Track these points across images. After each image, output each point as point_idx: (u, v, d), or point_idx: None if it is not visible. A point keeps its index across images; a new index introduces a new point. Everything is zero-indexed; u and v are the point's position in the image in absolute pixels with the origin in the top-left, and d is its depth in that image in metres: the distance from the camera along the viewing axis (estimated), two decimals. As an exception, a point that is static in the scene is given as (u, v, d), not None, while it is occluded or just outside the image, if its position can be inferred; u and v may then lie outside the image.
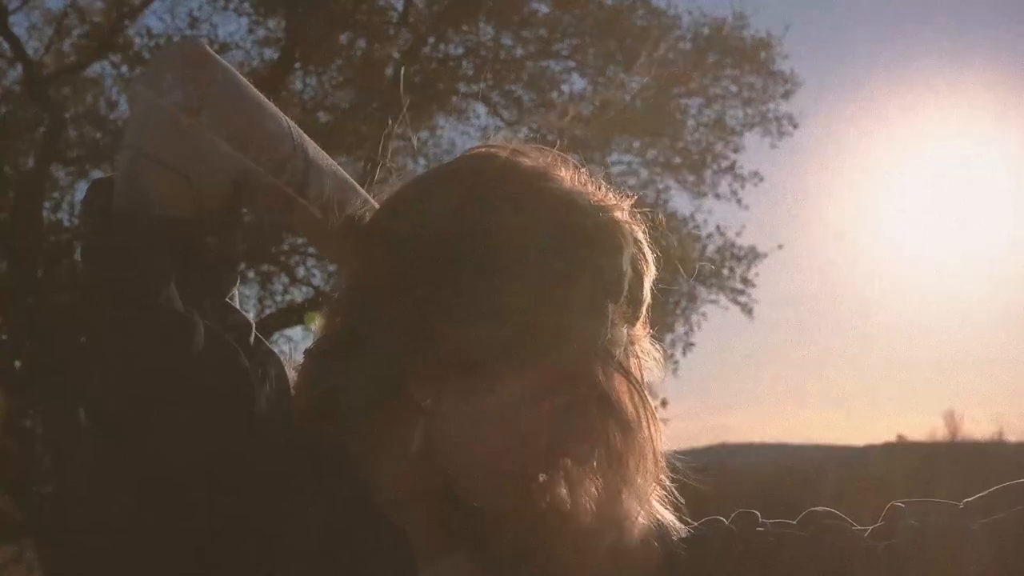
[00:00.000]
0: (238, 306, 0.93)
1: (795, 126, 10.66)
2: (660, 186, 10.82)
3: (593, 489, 0.95)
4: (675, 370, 10.80)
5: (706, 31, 10.34)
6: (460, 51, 10.16)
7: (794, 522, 0.98)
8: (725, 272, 10.78)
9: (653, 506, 0.96)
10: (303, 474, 0.87)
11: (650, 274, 0.92)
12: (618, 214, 0.91)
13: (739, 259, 10.81)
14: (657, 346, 0.97)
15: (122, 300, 0.83)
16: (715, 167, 10.67)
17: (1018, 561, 0.92)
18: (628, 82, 10.29)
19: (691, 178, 10.73)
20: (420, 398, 0.88)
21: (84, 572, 0.85)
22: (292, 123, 0.93)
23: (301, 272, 10.00)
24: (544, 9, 9.94)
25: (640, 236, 0.92)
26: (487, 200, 0.88)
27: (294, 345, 0.99)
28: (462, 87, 10.25)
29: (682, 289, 10.68)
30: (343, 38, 9.71)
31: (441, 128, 10.38)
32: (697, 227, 10.84)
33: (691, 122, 10.63)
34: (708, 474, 0.98)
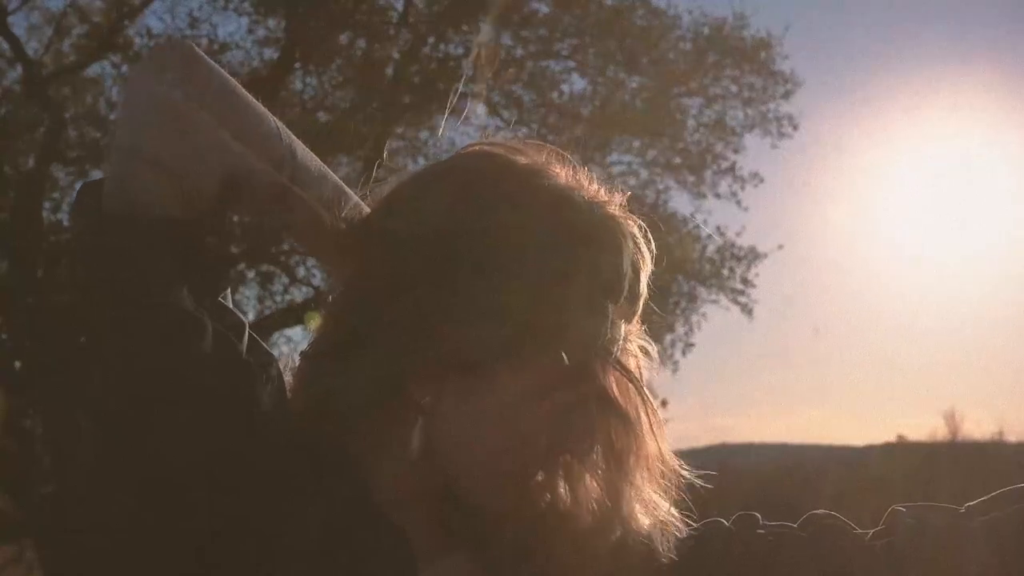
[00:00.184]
0: (231, 306, 0.93)
1: (795, 127, 10.66)
2: (660, 186, 10.83)
3: (594, 488, 0.95)
4: (675, 370, 10.81)
5: (706, 31, 10.34)
6: (460, 51, 10.16)
7: (795, 524, 0.98)
8: (725, 272, 10.79)
9: (655, 505, 0.96)
10: (303, 474, 0.87)
11: (647, 269, 0.92)
12: (613, 210, 0.91)
13: (739, 259, 10.82)
14: (654, 343, 0.97)
15: (130, 300, 0.83)
16: (715, 168, 10.68)
17: (1018, 559, 0.92)
18: (628, 82, 10.29)
19: (691, 179, 10.73)
20: (420, 398, 0.88)
21: (84, 572, 0.85)
22: (280, 123, 0.93)
23: (301, 272, 10.00)
24: (544, 9, 9.95)
25: (636, 231, 0.92)
26: (483, 198, 0.88)
27: (294, 345, 0.99)
28: (462, 87, 10.24)
29: (682, 289, 10.68)
30: (343, 38, 9.71)
31: (441, 128, 10.37)
32: (697, 227, 10.86)
33: (691, 122, 10.63)
34: (708, 474, 0.98)
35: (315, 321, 0.94)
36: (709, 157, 10.69)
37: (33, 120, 9.52)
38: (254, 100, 0.92)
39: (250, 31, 9.71)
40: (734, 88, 10.56)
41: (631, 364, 0.96)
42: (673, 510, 0.96)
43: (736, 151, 10.71)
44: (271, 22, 9.75)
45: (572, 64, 10.27)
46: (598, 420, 0.92)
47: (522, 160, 0.91)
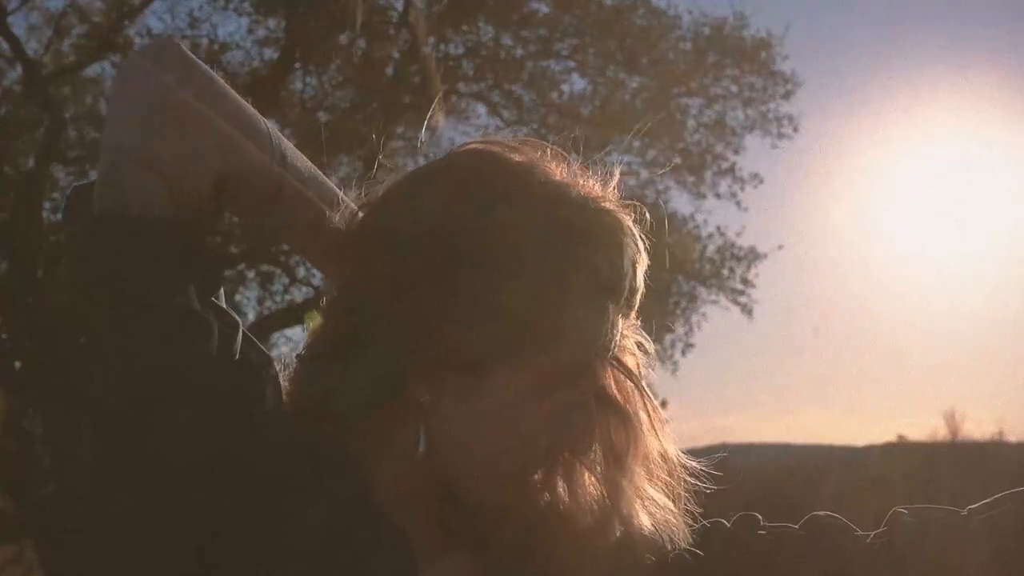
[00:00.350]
0: (224, 306, 0.92)
1: (795, 129, 10.66)
2: (660, 186, 10.83)
3: (593, 486, 0.95)
4: (675, 370, 10.81)
5: (706, 31, 10.34)
6: (460, 51, 10.16)
7: (795, 525, 0.98)
8: (725, 272, 10.79)
9: (656, 504, 0.96)
10: (303, 474, 0.87)
11: (643, 263, 0.92)
12: (609, 205, 0.91)
13: (739, 259, 10.82)
14: (654, 343, 0.97)
15: (135, 300, 0.82)
16: (715, 168, 10.68)
17: (1018, 559, 0.92)
18: (628, 82, 10.29)
19: (691, 179, 10.74)
20: (419, 398, 0.88)
21: (84, 572, 0.85)
22: (271, 124, 0.93)
23: (301, 272, 9.99)
24: (544, 9, 9.95)
25: (632, 226, 0.92)
26: (480, 197, 0.88)
27: (294, 345, 0.99)
28: (462, 87, 10.25)
29: (682, 289, 10.68)
30: (343, 38, 9.71)
31: (441, 128, 10.38)
32: (697, 227, 10.85)
33: (691, 122, 10.63)
34: (710, 473, 0.98)
35: (315, 321, 0.93)
36: (709, 157, 10.69)
37: (33, 120, 9.52)
38: (244, 101, 0.91)
39: (250, 31, 9.72)
40: (734, 88, 10.57)
41: (630, 362, 0.96)
42: (676, 509, 0.96)
43: (736, 151, 10.72)
44: (271, 22, 9.76)
45: (572, 64, 10.27)
46: (598, 418, 0.92)
47: (517, 158, 0.91)
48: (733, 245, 10.84)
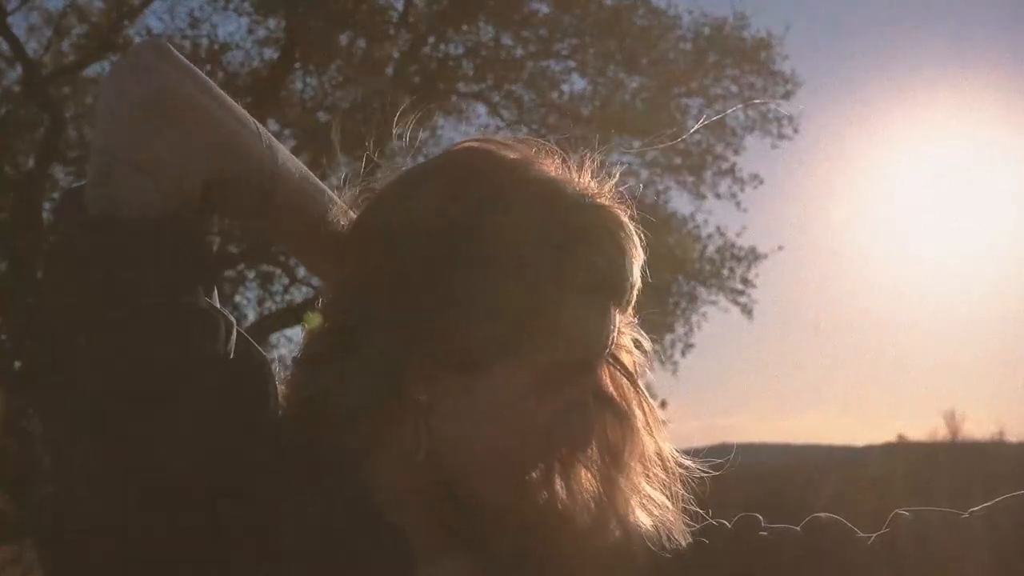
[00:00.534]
0: (218, 305, 0.92)
1: (795, 130, 10.67)
2: (660, 187, 10.84)
3: (590, 483, 0.95)
4: (675, 371, 10.82)
5: (706, 31, 10.35)
6: (460, 51, 10.16)
7: (796, 526, 0.98)
8: (725, 272, 10.79)
9: (655, 503, 0.96)
10: (302, 474, 0.87)
11: (639, 258, 0.92)
12: (604, 201, 0.91)
13: (739, 259, 10.83)
14: (654, 344, 0.97)
15: (136, 300, 0.82)
16: (715, 168, 10.69)
17: (1018, 560, 0.92)
18: (628, 82, 10.29)
19: (691, 179, 10.74)
20: (417, 397, 0.88)
21: (84, 573, 0.85)
22: (260, 125, 0.92)
23: (301, 272, 10.00)
24: (544, 9, 9.95)
25: (627, 221, 0.92)
26: (476, 195, 0.87)
27: (294, 345, 0.98)
28: (462, 87, 10.25)
29: (682, 289, 10.69)
30: (343, 38, 9.71)
31: (441, 128, 10.39)
32: (697, 227, 10.86)
33: (691, 122, 10.63)
34: (710, 473, 0.98)
35: (313, 322, 0.93)
36: (709, 158, 10.70)
37: (33, 120, 9.53)
38: (234, 102, 0.91)
39: (250, 31, 9.73)
40: (734, 88, 10.57)
41: (626, 360, 0.96)
42: (675, 509, 0.96)
43: (736, 152, 10.73)
44: (271, 22, 9.77)
45: (572, 64, 10.28)
46: (596, 415, 0.92)
47: (512, 155, 0.91)
48: (733, 245, 10.86)
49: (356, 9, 9.52)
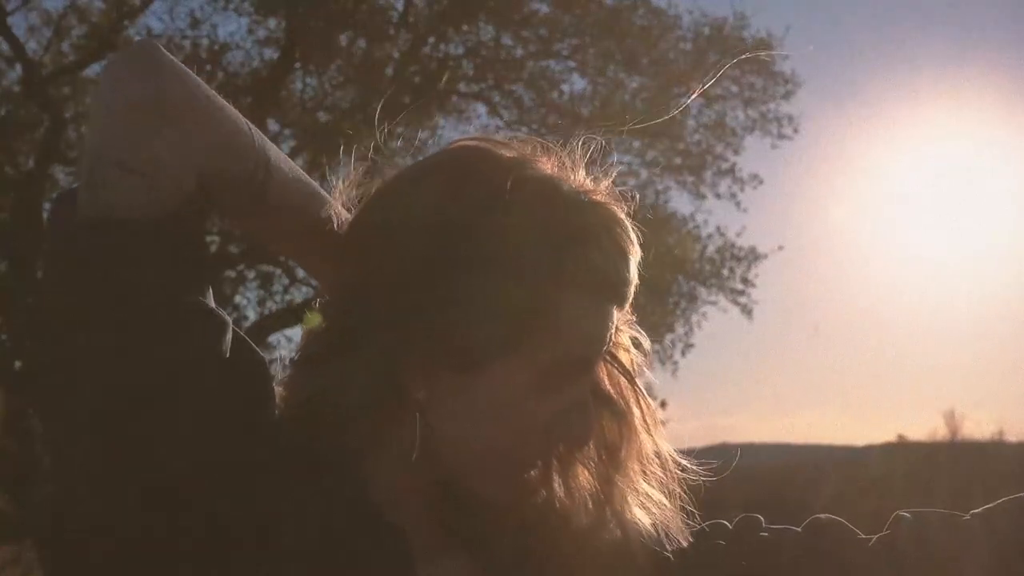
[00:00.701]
0: (212, 304, 0.92)
1: (796, 130, 10.67)
2: (660, 187, 10.84)
3: (587, 480, 0.95)
4: (675, 371, 10.82)
5: (706, 31, 10.35)
6: (460, 51, 10.16)
7: (797, 527, 0.98)
8: (725, 272, 10.80)
9: (653, 502, 0.96)
10: (301, 474, 0.87)
11: (636, 254, 0.92)
12: (600, 197, 0.91)
13: (739, 260, 10.83)
14: (654, 344, 0.97)
15: (135, 300, 0.82)
16: (715, 168, 10.69)
17: (1019, 562, 0.92)
18: (628, 82, 10.29)
19: (691, 179, 10.74)
20: (416, 396, 0.88)
21: (84, 573, 0.85)
22: (252, 124, 0.92)
23: (301, 272, 9.99)
24: (544, 9, 9.95)
25: (624, 217, 0.92)
26: (473, 194, 0.87)
27: (294, 345, 0.98)
28: (462, 87, 10.26)
29: (682, 289, 10.69)
30: (343, 38, 9.71)
31: (441, 128, 10.39)
32: (697, 227, 10.86)
33: (691, 123, 10.63)
34: (710, 473, 0.98)
35: (313, 322, 0.93)
36: (709, 158, 10.70)
37: (33, 120, 9.52)
38: (225, 102, 0.90)
39: (250, 31, 9.72)
40: (734, 88, 10.57)
41: (624, 358, 0.96)
42: (675, 509, 0.96)
43: (736, 152, 10.73)
44: (271, 22, 9.76)
45: (572, 64, 10.28)
46: (594, 413, 0.92)
47: (508, 153, 0.91)
48: (733, 245, 10.86)
49: (356, 9, 9.52)
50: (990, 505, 0.95)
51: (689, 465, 0.97)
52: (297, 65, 9.69)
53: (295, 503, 0.85)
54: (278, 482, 0.85)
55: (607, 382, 0.96)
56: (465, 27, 9.91)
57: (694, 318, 10.84)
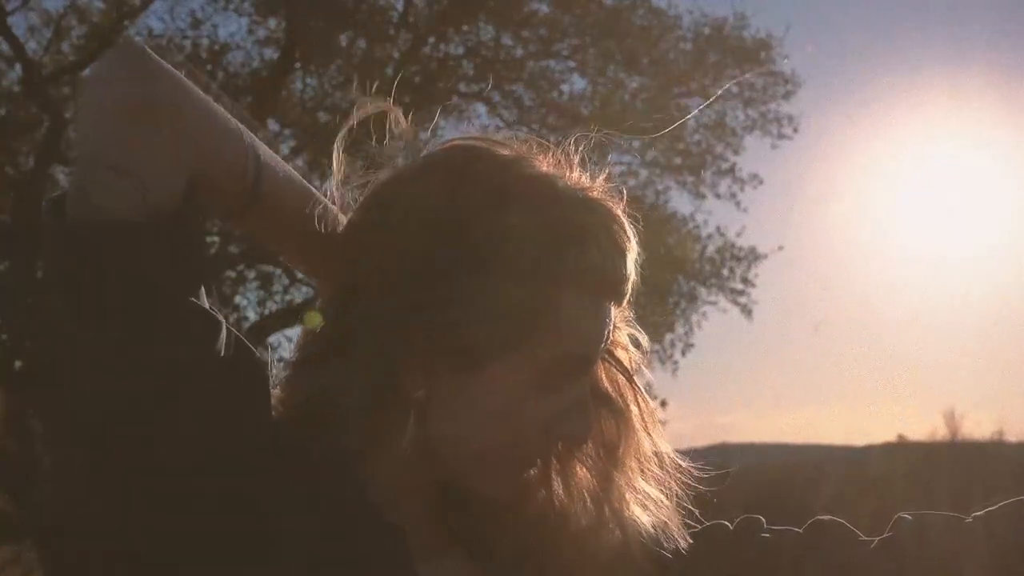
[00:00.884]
0: (206, 305, 0.91)
1: (796, 130, 10.67)
2: (660, 187, 10.84)
3: (585, 478, 0.95)
4: (675, 370, 10.82)
5: (706, 31, 10.35)
6: (460, 51, 10.16)
7: (799, 529, 0.98)
8: (725, 272, 10.80)
9: (653, 501, 0.96)
10: (302, 474, 0.87)
11: (633, 251, 0.92)
12: (596, 195, 0.91)
13: (739, 260, 10.83)
14: (654, 344, 0.97)
15: (140, 301, 0.82)
16: (715, 168, 10.69)
17: (1018, 560, 0.92)
18: (628, 82, 10.29)
19: (691, 179, 10.74)
20: (415, 394, 0.88)
21: (83, 573, 0.85)
22: (242, 125, 0.92)
23: (301, 272, 9.99)
24: (544, 9, 9.94)
25: (621, 214, 0.92)
26: (470, 193, 0.87)
27: (294, 346, 0.98)
28: (462, 87, 10.25)
29: (682, 289, 10.69)
30: (343, 38, 9.70)
31: (442, 128, 10.38)
32: (697, 227, 10.86)
33: (691, 122, 10.63)
34: (710, 472, 0.98)
35: (314, 320, 0.93)
36: (709, 158, 10.70)
37: (33, 120, 9.52)
38: (216, 102, 0.90)
39: (250, 31, 9.72)
40: (734, 88, 10.56)
41: (622, 356, 0.96)
42: (672, 507, 0.96)
43: (736, 152, 10.73)
44: (271, 22, 9.76)
45: (572, 64, 10.27)
46: (593, 411, 0.92)
47: (504, 152, 0.91)
48: (733, 245, 10.86)
49: (356, 9, 9.52)
50: (990, 508, 0.95)
51: (688, 466, 0.97)
52: (297, 65, 9.69)
53: (295, 503, 0.85)
54: (278, 482, 0.85)
55: (605, 380, 0.96)
56: (465, 27, 9.91)
57: (694, 318, 10.85)
